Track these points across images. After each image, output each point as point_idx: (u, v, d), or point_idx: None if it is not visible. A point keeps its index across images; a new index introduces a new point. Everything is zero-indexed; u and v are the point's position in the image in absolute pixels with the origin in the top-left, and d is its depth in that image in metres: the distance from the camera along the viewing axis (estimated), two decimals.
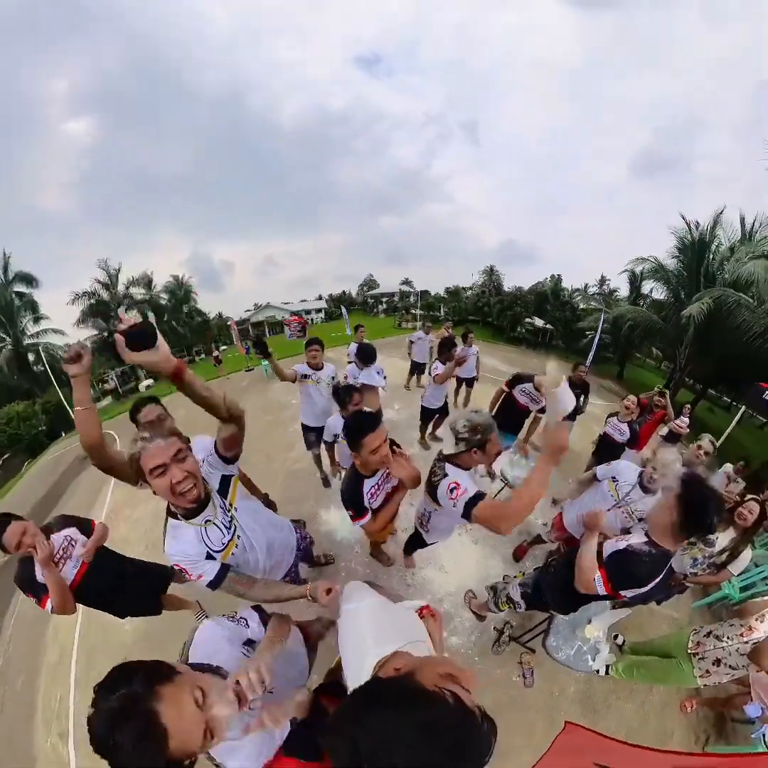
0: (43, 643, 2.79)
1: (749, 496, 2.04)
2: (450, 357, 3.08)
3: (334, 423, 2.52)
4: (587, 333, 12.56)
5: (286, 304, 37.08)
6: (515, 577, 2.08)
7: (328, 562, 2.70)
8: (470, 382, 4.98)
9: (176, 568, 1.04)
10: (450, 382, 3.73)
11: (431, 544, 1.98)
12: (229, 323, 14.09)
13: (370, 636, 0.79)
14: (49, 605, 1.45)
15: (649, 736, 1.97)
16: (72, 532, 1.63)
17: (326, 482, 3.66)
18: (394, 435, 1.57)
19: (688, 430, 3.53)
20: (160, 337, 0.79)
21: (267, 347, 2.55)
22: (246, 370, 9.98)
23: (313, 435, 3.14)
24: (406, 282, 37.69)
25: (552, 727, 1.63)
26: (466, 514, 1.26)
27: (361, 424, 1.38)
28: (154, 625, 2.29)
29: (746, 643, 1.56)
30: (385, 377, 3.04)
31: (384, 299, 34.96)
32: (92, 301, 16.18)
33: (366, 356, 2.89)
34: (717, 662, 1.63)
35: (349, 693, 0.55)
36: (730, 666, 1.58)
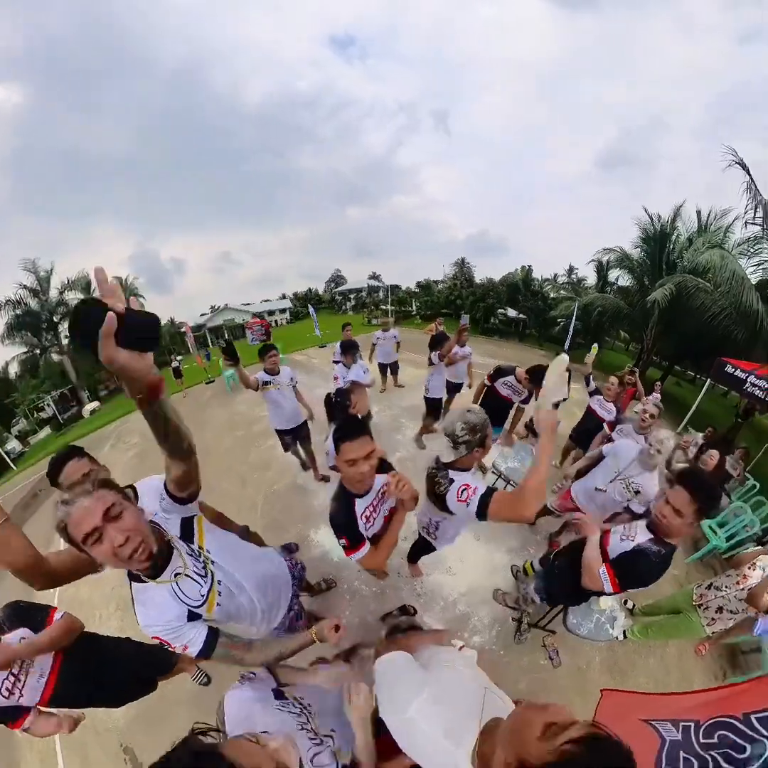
0: (15, 760, 2.18)
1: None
2: (442, 353, 3.39)
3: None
4: (559, 321, 13.24)
5: (246, 305, 35.80)
6: (520, 573, 2.57)
7: (330, 586, 2.59)
8: (459, 388, 4.60)
9: (156, 640, 0.91)
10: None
11: (438, 549, 2.01)
12: (183, 329, 13.02)
13: (443, 737, 0.67)
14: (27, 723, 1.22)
15: (673, 684, 2.22)
16: (24, 633, 1.25)
17: (305, 466, 3.90)
18: (376, 439, 1.53)
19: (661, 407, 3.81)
20: None
21: (236, 353, 2.35)
22: (206, 383, 9.38)
23: (288, 437, 3.36)
24: (374, 276, 37.66)
25: (588, 699, 1.67)
26: (481, 512, 1.23)
27: (343, 429, 1.25)
28: (146, 698, 2.06)
29: (742, 589, 1.81)
30: (365, 373, 3.26)
31: (352, 295, 34.72)
32: (18, 311, 14.40)
33: (349, 347, 3.17)
34: (719, 610, 1.90)
35: None
36: (730, 611, 1.85)
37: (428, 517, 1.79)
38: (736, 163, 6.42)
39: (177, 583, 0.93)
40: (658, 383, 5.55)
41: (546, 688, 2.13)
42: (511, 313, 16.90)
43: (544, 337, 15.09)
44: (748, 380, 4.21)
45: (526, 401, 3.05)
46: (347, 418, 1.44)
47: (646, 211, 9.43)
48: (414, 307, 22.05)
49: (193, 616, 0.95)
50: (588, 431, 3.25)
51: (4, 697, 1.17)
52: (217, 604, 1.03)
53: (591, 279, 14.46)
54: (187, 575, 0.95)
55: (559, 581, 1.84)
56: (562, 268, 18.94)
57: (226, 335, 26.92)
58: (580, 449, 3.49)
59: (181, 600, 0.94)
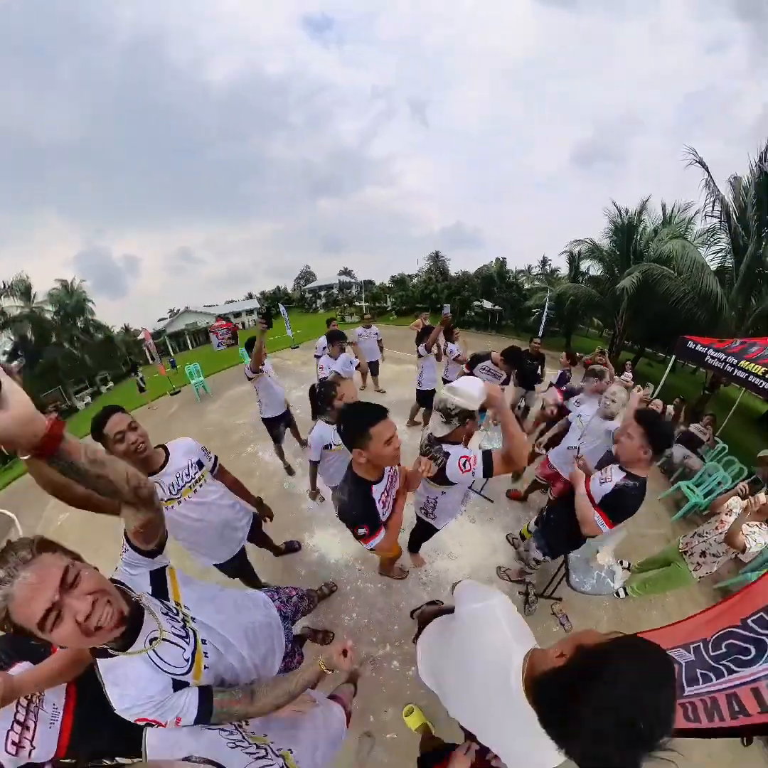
0: None
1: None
2: (428, 344, 3.66)
3: (321, 433, 2.26)
4: (534, 311, 13.74)
5: (209, 307, 34.49)
6: (516, 539, 2.89)
7: (332, 590, 2.59)
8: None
9: (141, 723, 0.78)
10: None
11: (439, 529, 2.13)
12: (141, 337, 12.23)
13: (511, 634, 0.82)
14: None
15: (687, 614, 2.42)
16: (25, 667, 1.07)
17: (290, 470, 4.04)
18: None
19: (632, 382, 4.50)
20: (5, 380, 0.51)
21: (271, 319, 2.63)
22: (171, 394, 8.98)
23: (281, 424, 3.66)
24: (346, 272, 37.45)
25: None
26: (488, 470, 1.41)
27: (368, 413, 1.26)
28: None
29: (720, 533, 2.05)
30: (352, 363, 3.44)
31: (323, 292, 34.35)
32: None
33: (336, 337, 3.40)
34: (703, 554, 2.14)
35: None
36: (712, 554, 2.09)
37: (425, 496, 1.91)
38: (696, 161, 7.16)
39: (154, 650, 0.80)
40: (628, 363, 6.27)
41: None
42: (487, 304, 17.32)
43: (520, 327, 15.57)
44: (708, 353, 4.78)
45: (505, 383, 3.28)
46: (359, 404, 1.40)
47: (615, 204, 10.29)
48: (389, 303, 22.10)
49: (178, 685, 0.83)
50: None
51: (10, 753, 0.97)
52: (205, 667, 0.91)
53: (564, 270, 15.14)
54: (165, 640, 0.83)
55: (556, 531, 2.06)
56: (536, 260, 19.66)
57: (188, 342, 25.82)
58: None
59: (162, 670, 0.81)
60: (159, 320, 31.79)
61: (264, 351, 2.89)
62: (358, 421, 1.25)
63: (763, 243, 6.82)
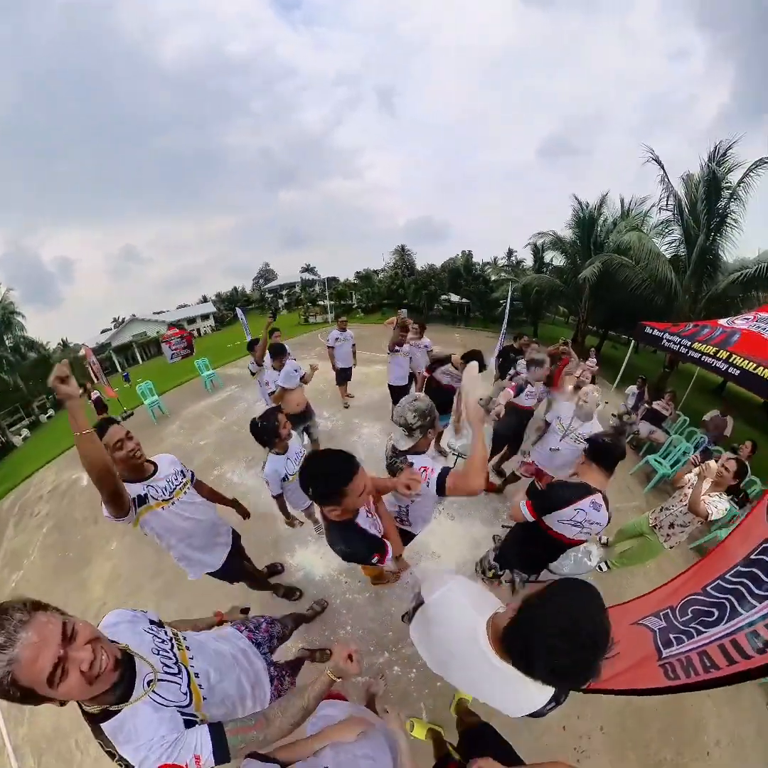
0: None
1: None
2: (390, 346, 3.96)
3: (275, 467, 2.24)
4: (501, 302, 14.28)
5: (159, 313, 32.97)
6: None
7: (323, 607, 2.64)
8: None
9: None
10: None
11: (417, 534, 2.16)
12: (82, 353, 11.11)
13: (471, 606, 1.02)
14: None
15: (667, 574, 2.62)
16: None
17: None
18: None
19: (597, 367, 4.95)
20: None
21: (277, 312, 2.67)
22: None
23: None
24: (309, 269, 36.92)
25: None
26: (440, 489, 1.48)
27: (338, 472, 1.16)
28: None
29: (685, 505, 2.28)
30: (296, 372, 3.54)
31: (284, 292, 33.76)
32: None
33: (278, 352, 3.49)
34: (671, 526, 2.39)
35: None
36: (680, 525, 2.35)
37: (397, 505, 1.94)
38: (653, 159, 7.96)
39: (154, 691, 0.84)
40: (593, 349, 6.86)
41: None
42: (455, 298, 17.75)
43: (488, 319, 16.12)
44: (664, 337, 5.35)
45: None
46: (326, 456, 1.24)
47: (576, 198, 11.23)
48: (354, 300, 22.08)
49: (189, 723, 0.86)
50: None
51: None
52: (204, 698, 0.97)
53: (529, 261, 15.88)
54: (160, 679, 0.87)
55: (511, 542, 2.15)
56: (502, 252, 20.39)
57: (137, 355, 24.23)
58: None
59: (165, 706, 0.85)
60: (102, 332, 29.99)
61: (267, 341, 3.76)
62: (330, 484, 1.17)
63: (712, 234, 7.70)
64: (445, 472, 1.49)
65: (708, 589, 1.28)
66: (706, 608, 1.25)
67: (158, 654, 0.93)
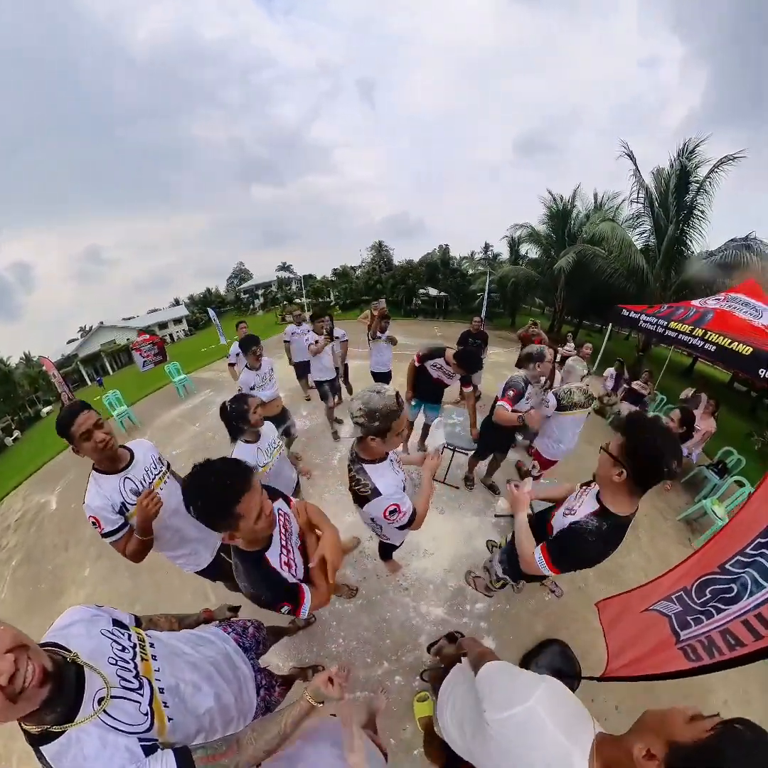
0: None
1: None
2: (374, 331, 3.99)
3: (245, 457, 1.95)
4: (478, 294, 14.49)
5: (129, 319, 31.62)
6: (496, 548, 2.70)
7: (309, 622, 2.43)
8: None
9: None
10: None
11: (398, 546, 2.03)
12: (44, 368, 10.43)
13: (563, 736, 0.70)
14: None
15: (656, 565, 2.86)
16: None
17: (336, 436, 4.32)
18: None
19: (574, 352, 4.99)
20: None
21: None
22: None
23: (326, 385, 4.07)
24: (285, 267, 36.23)
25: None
26: (407, 526, 1.41)
27: (224, 488, 0.94)
28: None
29: None
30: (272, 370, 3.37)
31: (260, 292, 32.96)
32: None
33: (248, 344, 3.07)
34: None
35: None
36: None
37: (367, 518, 1.62)
38: (626, 154, 8.44)
39: (105, 711, 0.71)
40: (569, 334, 7.17)
41: (562, 619, 2.43)
42: (433, 291, 17.85)
43: (466, 311, 16.28)
44: (641, 319, 5.54)
45: (467, 382, 3.16)
46: (214, 470, 0.99)
47: (550, 192, 11.60)
48: (332, 297, 21.84)
49: (150, 750, 0.74)
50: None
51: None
52: (169, 719, 0.82)
53: (505, 254, 16.26)
54: (114, 696, 0.73)
55: (512, 553, 1.75)
56: (479, 246, 20.70)
57: (106, 365, 23.00)
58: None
59: (121, 731, 0.72)
60: (68, 342, 28.43)
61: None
62: (212, 502, 0.94)
63: (681, 225, 8.21)
64: (412, 518, 1.40)
65: (726, 566, 1.23)
66: (724, 586, 1.21)
67: (116, 664, 0.78)
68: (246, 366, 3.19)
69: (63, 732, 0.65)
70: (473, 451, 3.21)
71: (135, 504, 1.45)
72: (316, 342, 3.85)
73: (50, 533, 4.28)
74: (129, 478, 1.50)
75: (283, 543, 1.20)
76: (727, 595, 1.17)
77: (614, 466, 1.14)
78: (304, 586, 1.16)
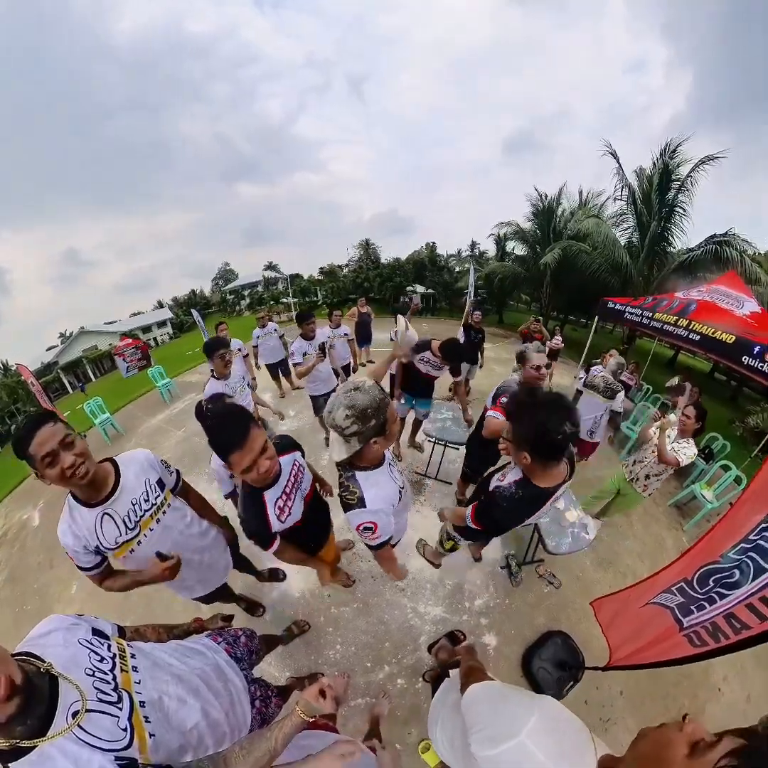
0: None
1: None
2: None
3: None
4: (465, 291, 14.56)
5: (111, 323, 30.78)
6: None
7: (304, 629, 2.33)
8: (346, 372, 4.47)
9: None
10: None
11: (395, 544, 1.86)
12: (22, 377, 10.04)
13: (553, 764, 0.64)
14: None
15: (651, 549, 3.03)
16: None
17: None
18: (301, 442, 1.52)
19: (562, 345, 5.38)
20: None
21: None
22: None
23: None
24: (271, 266, 35.73)
25: None
26: (374, 550, 1.36)
27: (218, 440, 1.13)
28: None
29: (655, 455, 2.43)
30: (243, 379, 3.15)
31: (246, 292, 32.45)
32: None
33: (213, 348, 2.70)
34: (647, 477, 2.55)
35: None
36: (655, 475, 2.52)
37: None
38: (609, 152, 8.79)
39: (80, 726, 0.66)
40: (558, 327, 7.54)
41: (562, 609, 2.46)
42: (420, 289, 17.85)
43: (454, 308, 16.37)
44: (626, 311, 5.66)
45: (456, 373, 3.09)
46: (214, 423, 1.23)
47: (536, 189, 11.87)
48: (319, 296, 21.66)
49: (127, 765, 0.69)
50: None
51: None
52: (150, 734, 0.76)
53: (492, 252, 16.42)
54: (90, 710, 0.68)
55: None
56: (466, 244, 20.83)
57: (89, 372, 22.27)
58: None
59: (97, 748, 0.67)
60: (48, 349, 27.57)
61: None
62: (216, 447, 1.13)
63: (663, 222, 8.51)
64: (384, 544, 1.31)
65: (728, 554, 1.22)
66: (727, 573, 1.19)
67: (93, 675, 0.73)
68: (212, 374, 2.73)
69: (33, 747, 0.60)
70: (463, 464, 2.98)
71: (114, 548, 1.19)
72: (300, 364, 3.27)
73: (34, 551, 4.12)
74: (108, 514, 1.18)
75: (287, 490, 1.33)
76: (730, 580, 1.17)
77: (519, 452, 1.22)
78: (278, 540, 1.34)
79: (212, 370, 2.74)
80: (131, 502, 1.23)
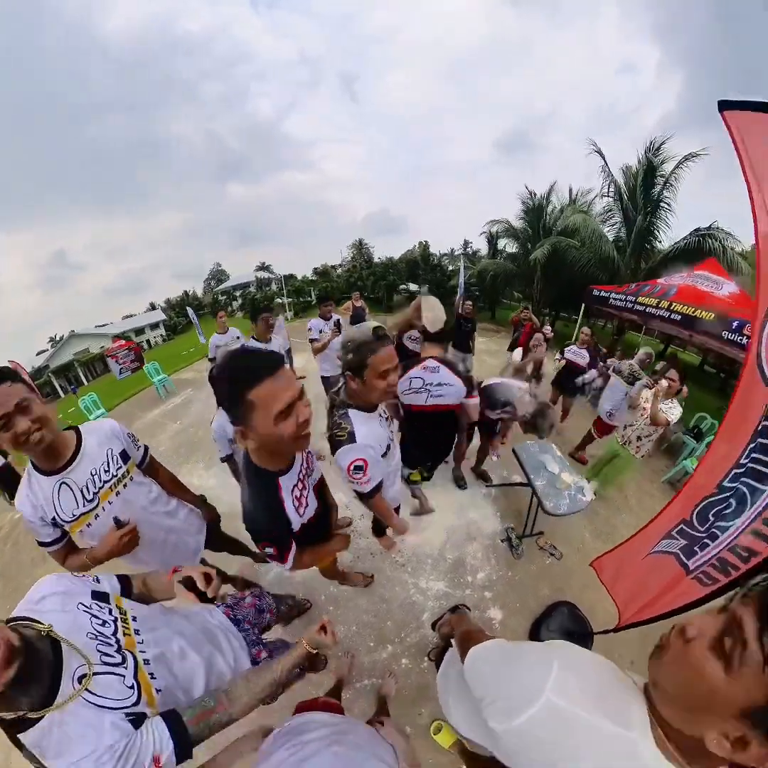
0: None
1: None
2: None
3: (223, 423, 1.90)
4: (457, 289, 14.75)
5: (102, 326, 30.33)
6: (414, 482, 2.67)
7: (304, 608, 2.29)
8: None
9: None
10: None
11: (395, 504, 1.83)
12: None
13: (602, 717, 0.51)
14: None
15: (648, 507, 3.16)
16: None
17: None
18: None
19: (552, 334, 5.44)
20: None
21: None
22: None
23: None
24: (264, 267, 35.53)
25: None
26: (367, 497, 1.33)
27: (244, 368, 0.79)
28: None
29: (646, 418, 2.65)
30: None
31: (238, 293, 32.26)
32: None
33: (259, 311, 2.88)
34: (639, 438, 2.76)
35: None
36: (646, 436, 2.72)
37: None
38: (596, 151, 9.01)
39: (87, 690, 0.66)
40: (548, 319, 8.24)
41: (566, 579, 2.49)
42: (414, 287, 17.99)
43: (447, 304, 16.46)
44: (611, 296, 5.89)
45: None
46: (241, 352, 0.90)
47: (527, 187, 12.04)
48: (313, 296, 21.65)
49: (136, 721, 0.69)
50: (568, 378, 3.99)
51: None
52: (157, 690, 0.77)
53: (484, 250, 16.62)
54: (96, 673, 0.68)
55: (403, 442, 2.00)
56: (459, 243, 21.02)
57: (80, 375, 22.00)
58: (566, 397, 4.26)
59: (107, 707, 0.67)
60: (38, 354, 27.08)
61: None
62: (229, 383, 0.80)
63: (648, 217, 8.73)
64: (376, 489, 1.32)
65: (723, 484, 1.19)
66: (723, 503, 1.16)
67: (96, 638, 0.73)
68: (253, 337, 2.89)
69: (41, 717, 0.60)
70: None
71: (71, 520, 1.11)
72: (316, 340, 3.44)
73: (26, 548, 4.03)
74: (66, 484, 1.09)
75: (301, 476, 1.11)
76: (728, 511, 1.13)
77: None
78: (294, 547, 1.08)
79: (253, 336, 2.87)
80: (91, 472, 1.14)
